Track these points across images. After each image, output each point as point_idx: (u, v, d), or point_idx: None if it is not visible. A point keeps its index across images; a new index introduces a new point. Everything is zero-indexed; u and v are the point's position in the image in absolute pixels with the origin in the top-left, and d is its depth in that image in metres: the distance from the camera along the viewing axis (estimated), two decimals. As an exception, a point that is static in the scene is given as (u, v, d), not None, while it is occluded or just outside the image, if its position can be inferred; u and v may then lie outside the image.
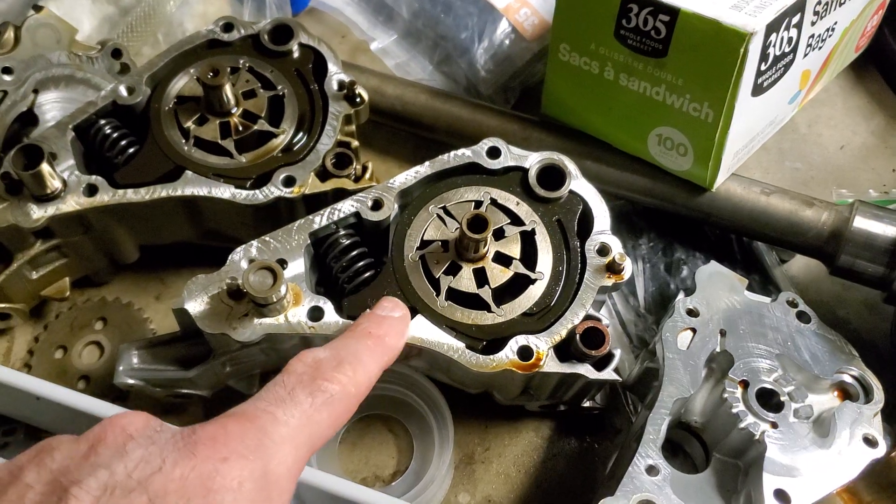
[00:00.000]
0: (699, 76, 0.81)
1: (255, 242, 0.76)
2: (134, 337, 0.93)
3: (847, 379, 0.82)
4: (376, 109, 1.00)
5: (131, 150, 0.86)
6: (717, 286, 0.85)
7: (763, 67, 0.82)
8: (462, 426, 0.87)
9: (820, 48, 0.91)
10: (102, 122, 0.87)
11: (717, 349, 0.81)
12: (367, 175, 0.86)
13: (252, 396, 0.58)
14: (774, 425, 0.76)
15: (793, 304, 0.86)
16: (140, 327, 0.94)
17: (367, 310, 0.72)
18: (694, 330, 0.82)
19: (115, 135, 0.87)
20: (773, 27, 0.79)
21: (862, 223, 0.86)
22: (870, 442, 0.77)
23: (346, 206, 0.79)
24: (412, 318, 0.74)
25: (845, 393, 0.82)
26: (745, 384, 0.79)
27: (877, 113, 1.12)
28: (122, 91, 0.88)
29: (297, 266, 0.76)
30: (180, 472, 0.50)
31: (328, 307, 0.74)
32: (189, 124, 0.86)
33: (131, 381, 0.80)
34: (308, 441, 0.56)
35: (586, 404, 0.84)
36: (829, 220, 0.88)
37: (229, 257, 0.76)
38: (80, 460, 0.51)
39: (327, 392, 0.58)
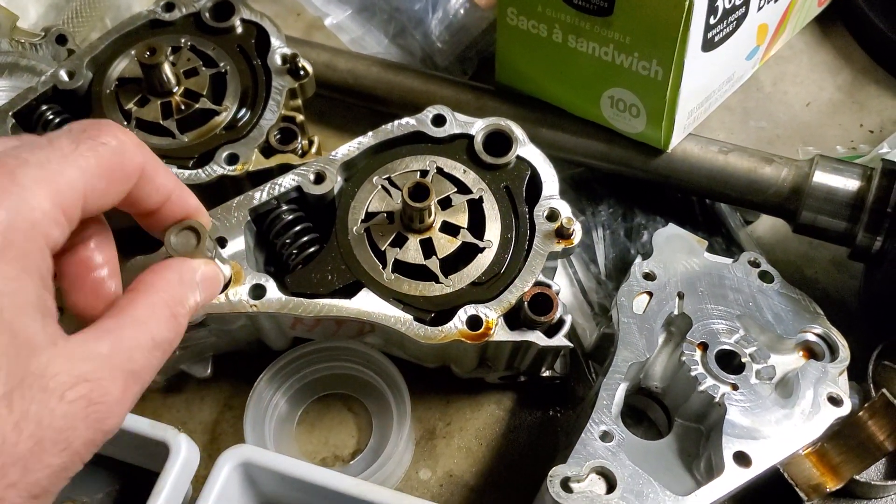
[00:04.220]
0: (646, 33, 0.79)
1: (192, 221, 0.74)
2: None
3: (811, 338, 0.80)
4: (329, 84, 0.99)
5: (73, 135, 0.85)
6: (674, 249, 0.84)
7: (712, 21, 0.79)
8: (423, 402, 0.86)
9: (776, 1, 0.89)
10: (44, 107, 0.86)
11: (675, 312, 0.79)
12: (314, 149, 0.85)
13: None
14: (735, 387, 0.75)
15: (755, 264, 0.84)
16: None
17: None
18: (650, 293, 0.80)
19: (56, 120, 0.85)
20: (719, -21, 0.77)
21: (822, 178, 0.84)
22: (834, 401, 0.75)
23: (286, 181, 0.77)
24: (357, 293, 0.73)
25: (811, 352, 0.80)
26: (704, 346, 0.77)
27: (843, 68, 1.09)
28: (63, 75, 0.86)
29: (238, 244, 0.74)
30: None
31: (270, 285, 0.73)
32: (130, 106, 0.85)
33: (80, 369, 0.78)
34: (70, 186, 0.49)
35: (546, 373, 0.83)
36: (789, 176, 0.86)
37: (165, 237, 0.74)
38: None
39: (97, 139, 0.51)
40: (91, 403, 0.46)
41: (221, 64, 0.87)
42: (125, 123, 0.84)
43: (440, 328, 0.72)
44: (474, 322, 0.72)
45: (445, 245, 0.76)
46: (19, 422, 0.43)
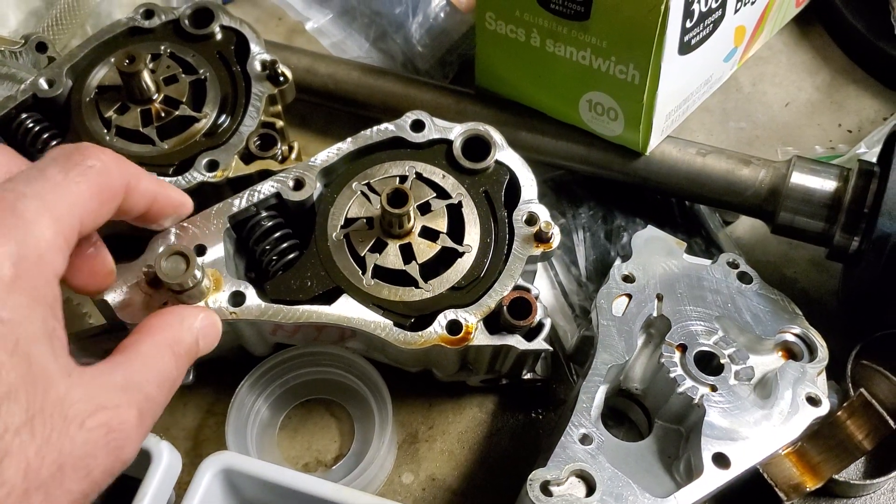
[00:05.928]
0: (622, 37, 0.79)
1: (173, 229, 0.75)
2: (73, 332, 0.92)
3: (790, 338, 0.81)
4: (310, 89, 0.99)
5: (53, 143, 0.85)
6: (653, 251, 0.84)
7: (689, 24, 0.80)
8: (406, 406, 0.86)
9: (753, 3, 0.89)
10: (24, 116, 0.85)
11: (654, 314, 0.80)
12: (294, 155, 0.85)
13: None
14: (714, 388, 0.75)
15: (733, 265, 0.84)
16: (79, 322, 0.93)
17: None
18: (630, 296, 0.80)
19: (36, 129, 0.85)
20: (694, -17, 0.77)
21: (799, 179, 0.85)
22: (813, 401, 0.75)
23: (265, 188, 0.77)
24: (337, 299, 0.73)
25: (790, 352, 0.80)
26: (682, 348, 0.77)
27: (822, 68, 1.10)
28: (42, 84, 0.86)
29: (217, 251, 0.75)
30: None
31: (249, 292, 0.73)
32: (110, 114, 0.85)
33: (61, 377, 0.78)
34: (69, 211, 0.51)
35: (527, 376, 0.83)
36: (767, 177, 0.87)
37: (148, 245, 0.75)
38: None
39: (83, 164, 0.53)
40: (111, 431, 0.48)
41: (201, 71, 0.87)
42: (105, 131, 0.84)
43: (420, 333, 0.72)
44: (454, 327, 0.72)
45: (425, 250, 0.76)
46: (41, 447, 0.44)
